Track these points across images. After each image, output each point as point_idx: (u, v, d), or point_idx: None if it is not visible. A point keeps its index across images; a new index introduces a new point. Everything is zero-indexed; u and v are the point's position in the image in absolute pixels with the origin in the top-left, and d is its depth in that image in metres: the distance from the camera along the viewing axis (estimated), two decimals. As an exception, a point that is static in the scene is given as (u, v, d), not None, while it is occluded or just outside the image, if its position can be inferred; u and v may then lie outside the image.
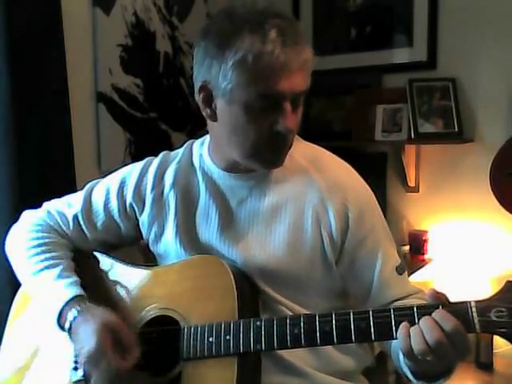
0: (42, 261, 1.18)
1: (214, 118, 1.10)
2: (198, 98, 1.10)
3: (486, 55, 2.50)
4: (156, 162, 1.25)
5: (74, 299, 1.11)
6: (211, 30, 1.06)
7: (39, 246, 1.21)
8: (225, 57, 1.01)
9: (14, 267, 1.24)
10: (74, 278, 1.16)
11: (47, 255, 1.19)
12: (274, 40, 0.99)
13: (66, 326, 1.09)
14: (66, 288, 1.13)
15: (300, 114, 1.09)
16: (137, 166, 1.26)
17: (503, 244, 2.49)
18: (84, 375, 1.10)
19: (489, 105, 2.53)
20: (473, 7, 2.52)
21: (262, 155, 1.08)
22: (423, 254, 2.64)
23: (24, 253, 1.21)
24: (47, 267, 1.17)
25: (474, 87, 2.56)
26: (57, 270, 1.16)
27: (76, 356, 1.09)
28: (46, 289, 1.15)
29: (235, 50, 0.99)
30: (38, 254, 1.20)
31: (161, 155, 1.27)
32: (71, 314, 1.09)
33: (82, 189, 1.29)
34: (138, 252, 1.40)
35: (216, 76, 1.03)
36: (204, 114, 1.12)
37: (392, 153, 2.75)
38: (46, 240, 1.22)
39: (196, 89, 1.10)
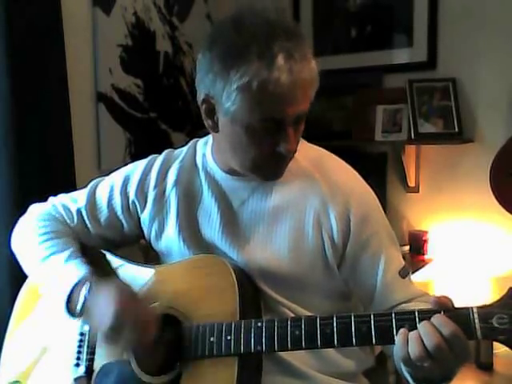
0: (50, 247, 1.18)
1: (216, 129, 1.10)
2: (201, 108, 1.10)
3: (486, 55, 2.50)
4: (159, 160, 1.26)
5: (83, 279, 1.10)
6: (217, 41, 1.03)
7: (47, 233, 1.21)
8: (229, 77, 0.99)
9: (21, 257, 1.25)
10: (84, 259, 1.16)
11: (55, 241, 1.20)
12: (281, 67, 0.97)
13: (79, 305, 1.08)
14: (76, 267, 1.13)
15: (301, 130, 1.10)
16: (141, 164, 1.27)
17: (503, 244, 2.49)
18: (86, 371, 1.11)
19: (489, 105, 2.53)
20: (473, 7, 2.52)
21: (262, 170, 1.10)
22: (423, 254, 2.64)
23: (32, 241, 1.22)
24: (56, 252, 1.17)
25: (474, 87, 2.55)
26: (66, 253, 1.16)
27: (98, 334, 1.07)
28: (56, 271, 1.15)
29: (241, 74, 0.98)
30: (46, 240, 1.20)
31: (164, 153, 1.28)
32: (82, 293, 1.08)
33: (85, 186, 1.30)
34: (139, 251, 1.40)
35: (219, 94, 1.02)
36: (206, 124, 1.12)
37: (392, 153, 2.75)
38: (54, 228, 1.23)
39: (199, 98, 1.09)
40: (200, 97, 1.08)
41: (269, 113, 1.01)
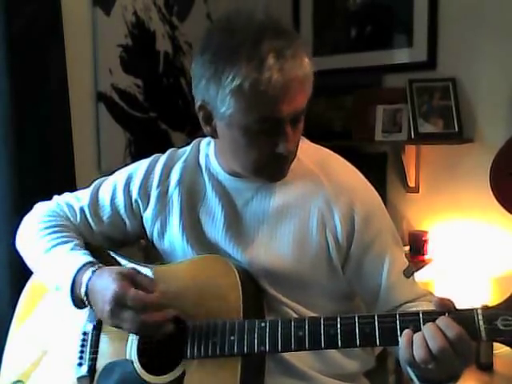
0: (55, 239, 1.19)
1: (215, 135, 1.10)
2: (198, 114, 1.10)
3: (486, 55, 2.50)
4: (163, 159, 1.26)
5: (89, 264, 1.11)
6: (208, 47, 1.03)
7: (51, 227, 1.22)
8: (221, 82, 0.99)
9: (25, 252, 1.25)
10: (88, 251, 1.16)
11: (59, 234, 1.20)
12: (271, 66, 0.96)
13: (83, 288, 1.08)
14: (81, 255, 1.14)
15: (301, 129, 1.09)
16: (144, 163, 1.27)
17: (503, 244, 2.49)
18: (89, 371, 1.11)
19: (489, 105, 2.53)
20: (473, 7, 2.52)
21: (264, 172, 1.10)
22: (423, 254, 2.64)
23: (36, 235, 1.22)
24: (60, 243, 1.18)
25: (474, 87, 2.55)
26: (70, 245, 1.17)
27: (101, 315, 1.07)
28: (59, 260, 1.15)
29: (232, 77, 0.97)
30: (50, 233, 1.20)
31: (168, 152, 1.28)
32: (86, 275, 1.08)
33: (88, 186, 1.31)
34: (138, 251, 1.40)
35: (214, 99, 1.02)
36: (204, 130, 1.12)
37: (392, 153, 2.75)
38: (58, 223, 1.24)
39: (196, 105, 1.09)
40: (197, 104, 1.08)
41: (264, 113, 1.00)
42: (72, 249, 1.16)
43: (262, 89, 0.97)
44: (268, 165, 1.07)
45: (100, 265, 1.11)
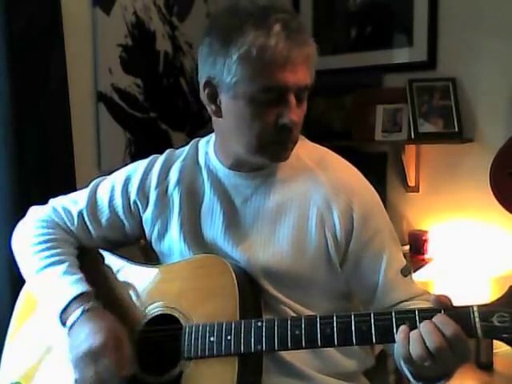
0: (47, 257, 1.17)
1: (219, 114, 1.10)
2: (203, 94, 1.11)
3: (486, 55, 2.50)
4: (161, 159, 1.26)
5: (80, 296, 1.10)
6: (215, 26, 1.07)
7: (44, 242, 1.20)
8: (229, 52, 1.01)
9: (19, 263, 1.24)
10: (80, 275, 1.15)
11: (52, 252, 1.19)
12: (278, 33, 1.00)
13: (69, 322, 1.08)
14: (71, 285, 1.12)
15: (304, 110, 1.10)
16: (142, 164, 1.27)
17: (503, 244, 2.49)
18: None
19: (489, 105, 2.53)
20: (472, 7, 2.52)
21: (268, 149, 1.09)
22: (423, 253, 2.64)
23: (29, 249, 1.21)
24: (52, 263, 1.16)
25: (474, 87, 2.55)
26: (62, 267, 1.15)
27: (71, 352, 1.08)
28: (50, 286, 1.15)
29: (239, 45, 1.00)
30: (42, 250, 1.19)
31: (166, 153, 1.28)
32: (77, 311, 1.08)
33: (86, 187, 1.29)
34: (138, 251, 1.40)
35: (220, 71, 1.04)
36: (209, 110, 1.12)
37: (392, 153, 2.75)
38: (52, 236, 1.22)
39: (201, 85, 1.10)
40: (202, 83, 1.10)
41: (269, 81, 1.02)
42: (64, 272, 1.15)
43: (268, 54, 0.99)
44: (272, 140, 1.07)
45: (91, 303, 1.10)
